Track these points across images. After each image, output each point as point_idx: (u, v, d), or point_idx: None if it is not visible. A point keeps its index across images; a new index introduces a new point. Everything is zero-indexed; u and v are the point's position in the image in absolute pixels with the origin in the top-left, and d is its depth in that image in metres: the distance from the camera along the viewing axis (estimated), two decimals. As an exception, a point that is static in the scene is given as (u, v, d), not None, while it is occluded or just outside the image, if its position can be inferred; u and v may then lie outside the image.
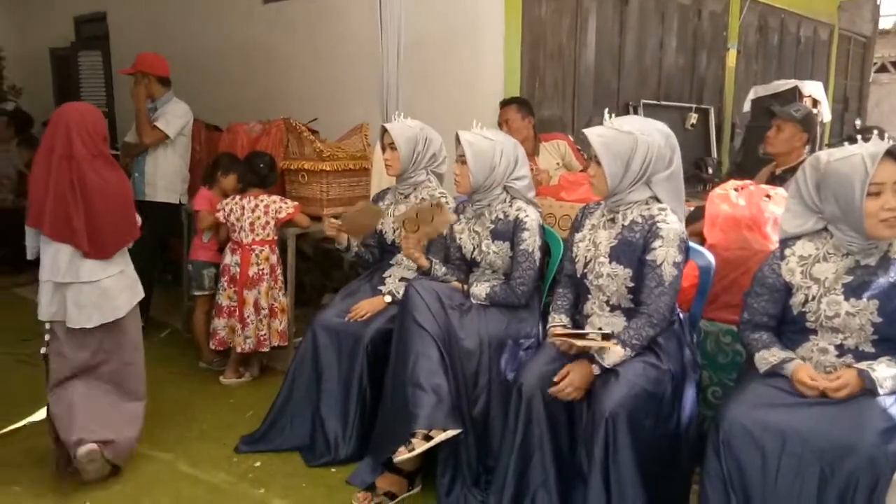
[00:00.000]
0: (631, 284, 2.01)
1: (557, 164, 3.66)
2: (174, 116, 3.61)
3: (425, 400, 2.15)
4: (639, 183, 1.99)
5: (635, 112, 4.85)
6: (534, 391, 2.03)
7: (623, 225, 2.04)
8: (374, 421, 2.47)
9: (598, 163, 1.99)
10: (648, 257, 1.97)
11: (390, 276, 2.79)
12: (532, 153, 3.54)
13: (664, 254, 1.95)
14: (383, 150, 2.81)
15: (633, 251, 1.99)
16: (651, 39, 5.15)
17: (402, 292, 2.55)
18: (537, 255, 2.35)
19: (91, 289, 2.28)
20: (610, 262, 2.02)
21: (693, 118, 5.45)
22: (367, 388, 2.50)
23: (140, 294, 2.46)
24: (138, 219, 2.48)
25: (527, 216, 2.34)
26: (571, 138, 3.89)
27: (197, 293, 3.38)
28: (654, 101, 5.17)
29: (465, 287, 2.45)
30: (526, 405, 2.03)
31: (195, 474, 2.45)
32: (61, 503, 2.27)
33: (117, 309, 2.34)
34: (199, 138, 4.03)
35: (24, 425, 2.81)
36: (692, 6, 5.51)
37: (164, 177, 3.74)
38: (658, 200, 2.03)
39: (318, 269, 4.27)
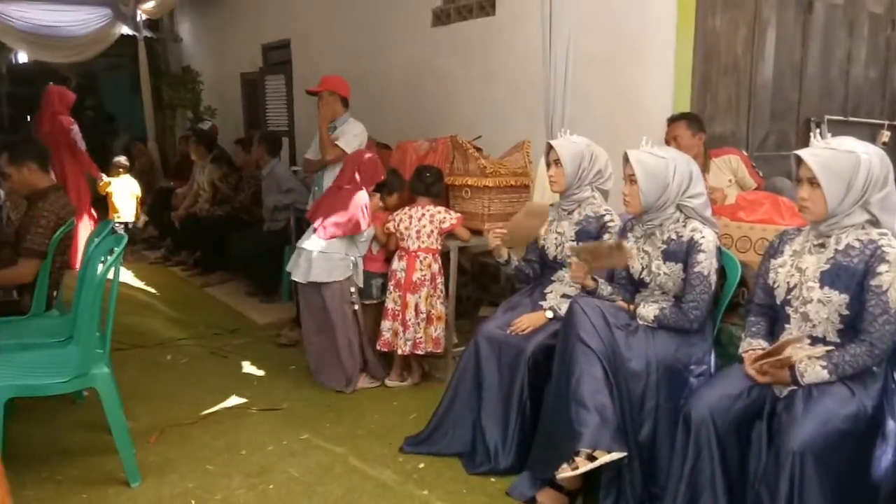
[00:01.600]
0: (845, 312, 1.87)
1: (729, 181, 3.48)
2: (352, 135, 3.88)
3: (589, 419, 2.13)
4: (857, 205, 1.86)
5: (818, 128, 4.49)
6: (705, 422, 1.95)
7: (836, 249, 1.90)
8: (534, 434, 2.48)
9: (813, 184, 1.87)
10: (873, 283, 1.82)
11: (551, 291, 2.80)
12: (702, 171, 3.40)
13: (890, 279, 1.80)
14: (548, 166, 2.83)
15: (851, 276, 1.86)
16: (837, 51, 4.75)
17: (563, 308, 2.55)
18: (713, 278, 2.25)
19: None
20: (821, 287, 1.89)
21: (886, 136, 4.94)
22: (528, 401, 2.52)
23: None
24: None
25: (703, 237, 2.26)
26: (745, 154, 3.69)
27: (366, 302, 3.58)
28: (841, 118, 4.75)
29: (632, 307, 2.40)
30: (695, 436, 1.95)
31: (364, 469, 2.60)
32: (248, 483, 2.49)
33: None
34: (370, 155, 4.30)
35: (218, 410, 3.13)
36: (885, 15, 5.03)
37: (340, 190, 4.02)
38: (874, 223, 1.88)
39: (475, 282, 4.37)
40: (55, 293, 3.10)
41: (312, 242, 3.34)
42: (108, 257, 2.50)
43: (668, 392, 2.21)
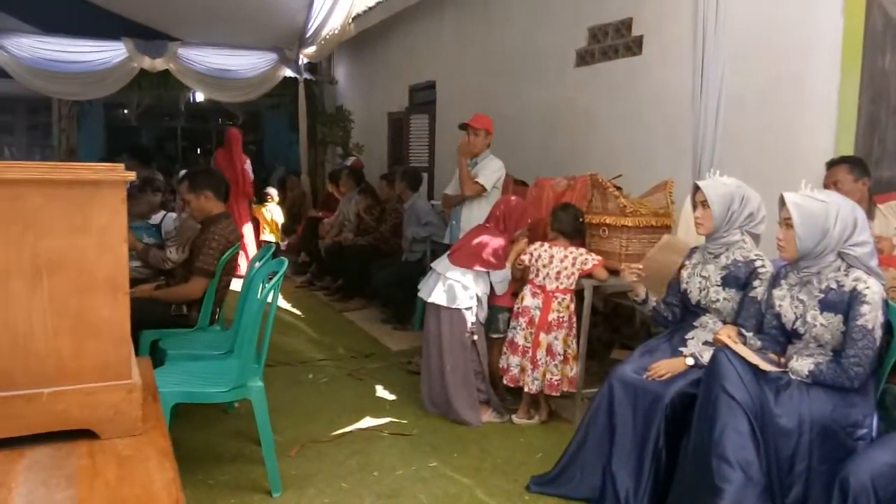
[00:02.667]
0: None
1: (897, 229, 3.19)
2: (491, 171, 3.97)
3: (733, 476, 2.01)
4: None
5: None
6: (865, 490, 1.79)
7: None
8: (669, 484, 2.37)
9: None
10: None
11: (693, 338, 2.69)
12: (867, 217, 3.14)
13: None
14: (694, 207, 2.75)
15: None
16: None
17: (705, 357, 2.45)
18: (878, 333, 2.07)
19: None
20: None
21: None
22: (664, 450, 2.42)
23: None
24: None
25: (867, 288, 2.09)
26: (918, 200, 3.36)
27: (493, 336, 3.61)
28: None
29: (783, 360, 2.26)
30: (853, 504, 1.79)
31: (491, 504, 2.61)
32: (379, 502, 2.58)
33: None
34: (508, 191, 4.37)
35: (352, 430, 3.27)
36: None
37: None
38: None
39: (606, 323, 4.27)
40: (219, 310, 3.40)
41: (444, 265, 3.45)
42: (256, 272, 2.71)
43: (821, 454, 2.04)
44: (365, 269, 5.62)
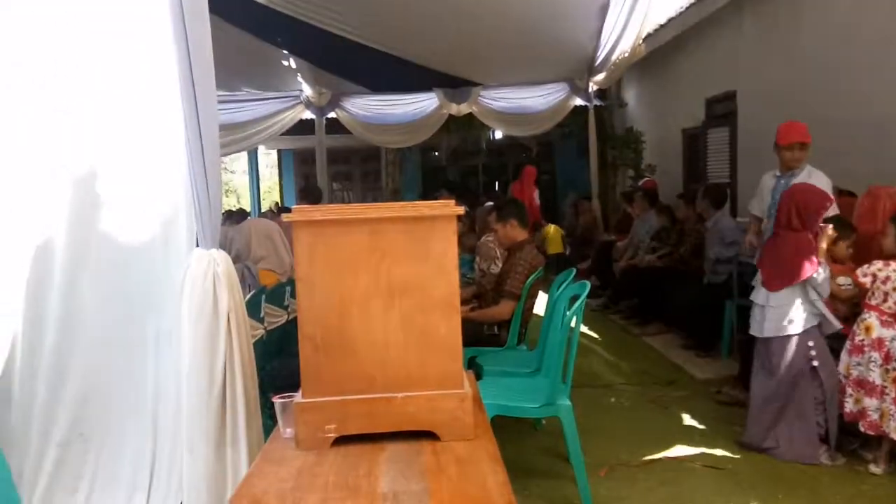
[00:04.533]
0: None
1: None
2: (825, 186, 3.57)
3: None
4: None
5: None
6: None
7: None
8: None
9: None
10: None
11: None
12: None
13: None
14: None
15: None
16: None
17: None
18: None
19: None
20: None
21: None
22: None
23: None
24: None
25: None
26: None
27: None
28: None
29: None
30: None
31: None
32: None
33: None
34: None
35: (660, 458, 3.18)
36: None
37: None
38: None
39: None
40: (524, 330, 3.61)
41: (762, 296, 3.16)
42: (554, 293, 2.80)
43: None
44: (662, 291, 5.43)
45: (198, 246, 2.17)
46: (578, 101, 8.65)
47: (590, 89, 8.54)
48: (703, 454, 3.18)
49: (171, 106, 2.24)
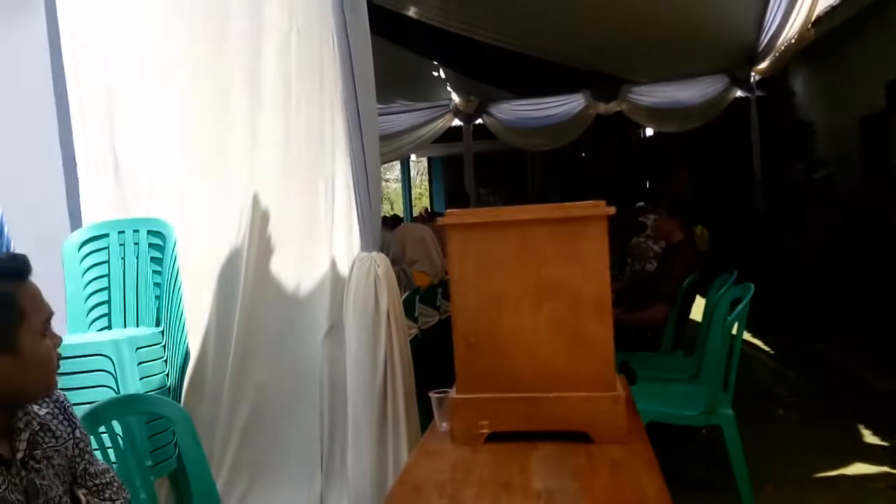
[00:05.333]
0: None
1: None
2: None
3: None
4: None
5: None
6: None
7: None
8: None
9: None
10: None
11: None
12: None
13: None
14: None
15: None
16: None
17: None
18: None
19: None
20: None
21: None
22: None
23: None
24: None
25: None
26: None
27: None
28: None
29: None
30: None
31: None
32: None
33: None
34: None
35: (835, 476, 2.91)
36: None
37: None
38: None
39: None
40: (680, 335, 3.47)
41: None
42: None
43: None
44: (839, 294, 4.96)
45: (360, 249, 2.33)
46: (739, 93, 8.12)
47: (751, 79, 7.99)
48: (887, 474, 2.87)
49: (335, 121, 2.42)
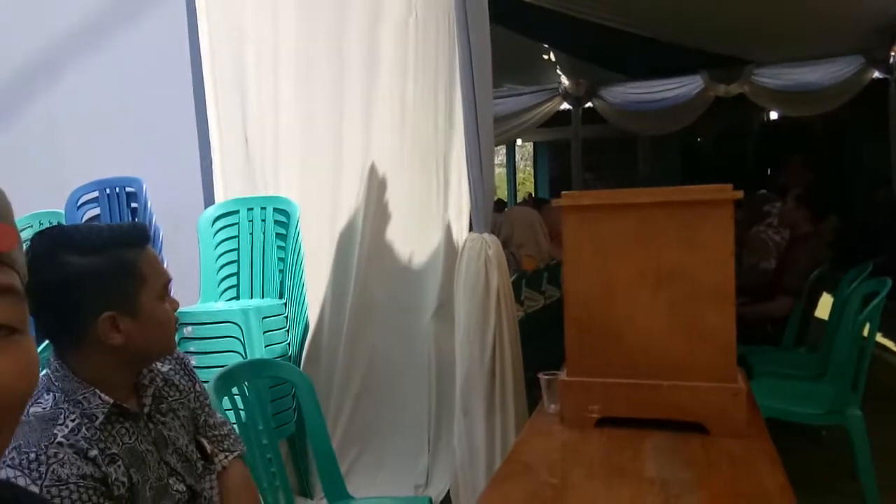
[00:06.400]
0: None
1: None
2: None
3: None
4: None
5: None
6: None
7: None
8: None
9: None
10: None
11: None
12: None
13: None
14: None
15: None
16: None
17: None
18: None
19: None
20: None
21: None
22: None
23: None
24: None
25: None
26: None
27: None
28: None
29: None
30: None
31: None
32: None
33: None
34: None
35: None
36: None
37: None
38: None
39: None
40: (804, 331, 3.27)
41: None
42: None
43: None
44: None
45: (471, 230, 2.36)
46: (876, 74, 7.46)
47: (891, 59, 7.32)
48: None
49: (450, 104, 2.46)
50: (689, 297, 1.60)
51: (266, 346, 2.37)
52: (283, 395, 2.35)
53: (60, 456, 1.00)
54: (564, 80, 8.53)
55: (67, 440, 1.03)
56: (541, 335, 3.40)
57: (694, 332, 1.59)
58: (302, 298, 2.66)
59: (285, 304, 2.53)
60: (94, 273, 1.12)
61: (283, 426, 2.38)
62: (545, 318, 3.67)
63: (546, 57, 7.72)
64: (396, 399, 2.75)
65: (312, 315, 2.79)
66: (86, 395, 1.11)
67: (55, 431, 1.04)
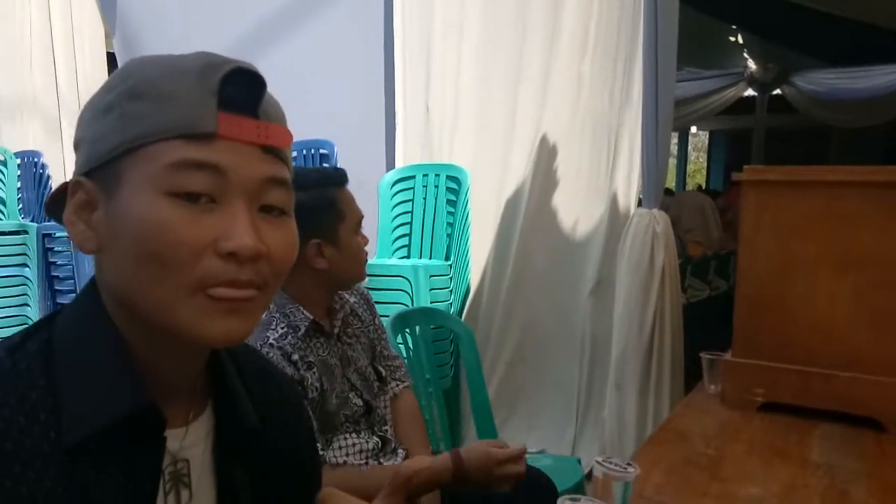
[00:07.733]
0: None
1: None
2: None
3: None
4: None
5: None
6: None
7: None
8: None
9: None
10: None
11: None
12: None
13: None
14: None
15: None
16: None
17: None
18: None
19: None
20: None
21: None
22: None
23: None
24: None
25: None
26: None
27: None
28: None
29: None
30: None
31: None
32: None
33: None
34: None
35: None
36: None
37: None
38: None
39: None
40: None
41: None
42: None
43: None
44: None
45: (640, 206, 2.34)
46: None
47: None
48: None
49: (629, 76, 2.44)
50: (878, 284, 1.50)
51: (431, 303, 2.52)
52: (443, 351, 2.50)
53: (270, 355, 1.18)
54: (751, 65, 7.96)
55: (277, 343, 1.22)
56: (701, 327, 3.28)
57: (881, 322, 1.49)
58: (466, 262, 2.79)
59: (450, 265, 2.67)
60: (305, 205, 1.30)
61: (441, 379, 2.52)
62: (708, 311, 3.53)
63: (733, 39, 7.26)
64: (548, 369, 2.80)
65: (474, 279, 2.92)
66: (292, 309, 1.29)
67: (267, 335, 1.22)
